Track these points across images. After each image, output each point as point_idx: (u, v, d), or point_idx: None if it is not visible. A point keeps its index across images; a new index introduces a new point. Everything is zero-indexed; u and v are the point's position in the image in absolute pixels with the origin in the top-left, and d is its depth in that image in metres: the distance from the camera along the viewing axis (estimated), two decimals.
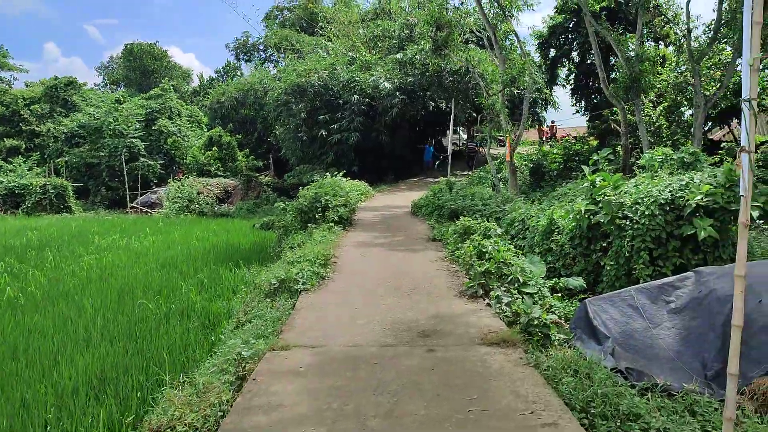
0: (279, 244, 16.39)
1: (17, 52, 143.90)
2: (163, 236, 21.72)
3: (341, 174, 28.28)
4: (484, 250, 10.60)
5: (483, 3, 21.58)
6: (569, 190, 15.44)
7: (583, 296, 10.25)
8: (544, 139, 42.15)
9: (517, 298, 8.28)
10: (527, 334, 7.06)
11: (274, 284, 9.32)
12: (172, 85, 49.17)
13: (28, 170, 41.30)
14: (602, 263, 10.67)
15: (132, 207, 38.19)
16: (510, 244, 11.88)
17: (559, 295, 10.06)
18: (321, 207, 16.55)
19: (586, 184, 12.20)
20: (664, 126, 27.11)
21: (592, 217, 10.94)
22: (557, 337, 7.32)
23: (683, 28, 23.90)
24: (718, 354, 6.78)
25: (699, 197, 9.21)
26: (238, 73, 43.98)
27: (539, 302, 9.00)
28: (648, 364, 7.03)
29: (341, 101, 32.33)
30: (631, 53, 21.62)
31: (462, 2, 29.80)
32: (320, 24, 43.49)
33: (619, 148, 28.58)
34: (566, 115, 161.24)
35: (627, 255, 9.81)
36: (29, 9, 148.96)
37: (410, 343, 6.49)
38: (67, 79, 50.32)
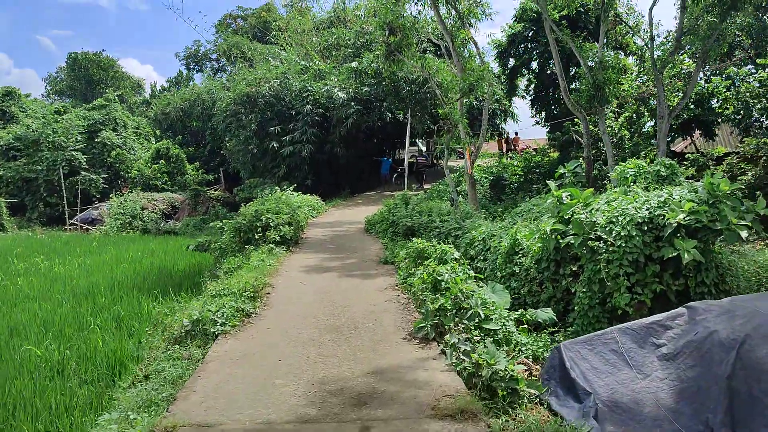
0: (216, 268, 14.69)
1: None
2: (92, 258, 19.76)
3: (292, 188, 26.71)
4: (439, 278, 9.19)
5: (441, 11, 20.42)
6: (533, 206, 14.17)
7: (553, 330, 8.96)
8: (504, 151, 41.24)
9: (477, 342, 6.84)
10: (490, 391, 5.63)
11: (186, 326, 7.70)
12: (118, 95, 46.74)
13: None
14: (573, 289, 9.39)
15: (71, 224, 35.78)
16: (469, 268, 10.48)
17: (527, 328, 8.72)
18: (261, 226, 14.93)
19: (551, 201, 10.91)
20: (627, 137, 26.30)
21: (560, 237, 9.66)
22: (527, 393, 5.92)
23: (645, 37, 23.14)
24: (726, 415, 5.47)
25: (681, 216, 7.96)
26: (191, 83, 41.86)
27: (503, 341, 7.63)
28: (639, 428, 5.68)
29: (294, 112, 30.75)
30: (594, 61, 20.67)
31: (420, 11, 28.60)
32: (273, 33, 41.88)
33: (581, 160, 27.75)
34: (526, 126, 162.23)
35: (601, 281, 8.51)
36: None
37: (339, 416, 4.96)
38: (5, 89, 47.34)
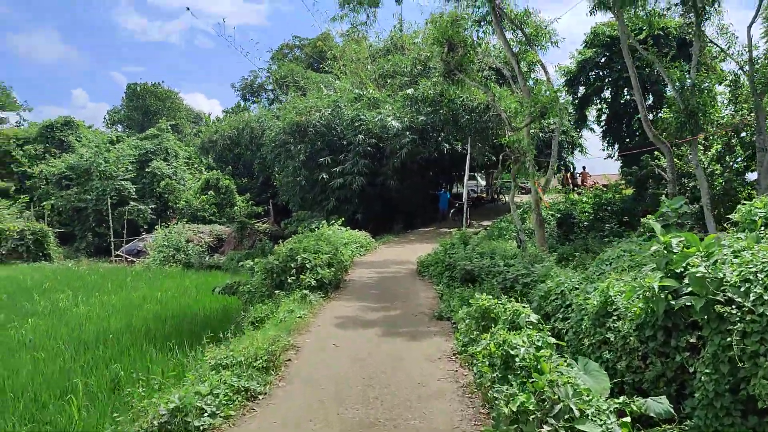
0: (243, 316, 12.64)
1: (47, 97, 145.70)
2: (121, 295, 18.12)
3: (340, 222, 24.71)
4: (513, 353, 6.82)
5: (505, 33, 18.29)
6: (624, 252, 11.57)
7: (668, 428, 6.47)
8: (571, 186, 38.29)
9: None
10: None
11: (163, 416, 5.55)
12: (172, 125, 46.30)
13: (19, 215, 38.21)
14: (691, 368, 6.86)
15: (117, 255, 34.79)
16: (549, 334, 8.05)
17: (630, 421, 6.25)
18: (296, 267, 12.83)
19: (657, 248, 8.35)
20: (718, 172, 23.23)
21: (672, 297, 7.17)
22: None
23: (740, 60, 20.24)
24: None
25: None
26: (246, 114, 41.09)
27: None
28: None
29: (345, 142, 28.94)
30: (684, 85, 17.98)
31: (480, 38, 26.57)
32: (328, 61, 40.63)
33: (663, 197, 24.74)
34: (594, 160, 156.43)
35: (732, 359, 5.99)
36: (60, 56, 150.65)
37: None
38: (63, 119, 47.75)
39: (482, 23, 19.72)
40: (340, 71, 37.21)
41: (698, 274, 6.91)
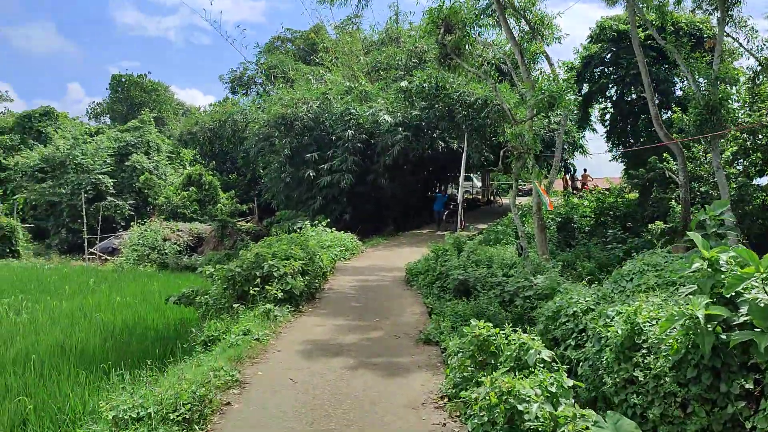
0: (197, 332, 10.73)
1: (42, 91, 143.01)
2: (74, 302, 16.19)
3: (325, 223, 22.86)
4: (522, 410, 5.00)
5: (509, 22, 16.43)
6: (647, 266, 9.72)
7: None
8: (570, 189, 36.48)
9: None
10: None
11: None
12: (156, 117, 44.22)
13: None
14: (748, 422, 5.16)
15: (91, 253, 32.78)
16: (563, 370, 6.22)
17: None
18: (261, 276, 10.94)
19: (699, 265, 6.57)
20: (733, 175, 21.43)
21: (721, 329, 5.45)
22: None
23: (760, 56, 18.42)
24: None
25: None
26: (229, 105, 39.04)
27: None
28: None
29: (333, 137, 27.04)
30: (705, 79, 16.19)
31: (480, 33, 24.72)
32: (320, 54, 38.69)
33: (672, 202, 22.97)
34: (595, 163, 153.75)
35: None
36: (55, 49, 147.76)
37: None
38: (43, 109, 45.64)
39: (482, 16, 17.92)
40: (332, 64, 35.30)
41: (761, 303, 5.21)
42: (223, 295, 11.17)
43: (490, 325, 6.59)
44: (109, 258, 31.30)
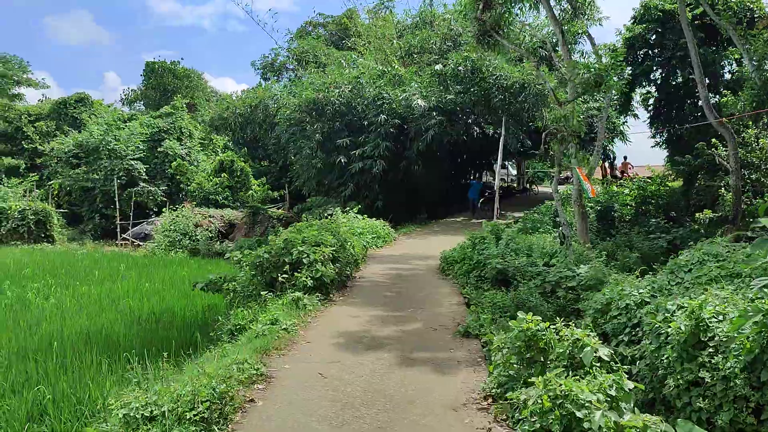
0: (225, 320, 10.29)
1: (79, 80, 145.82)
2: (103, 287, 15.96)
3: (356, 210, 22.32)
4: (581, 417, 4.38)
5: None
6: (708, 256, 8.90)
7: None
8: (609, 177, 35.26)
9: None
10: None
11: None
12: (187, 103, 44.10)
13: (27, 193, 36.49)
14: None
15: (123, 239, 32.85)
16: (623, 371, 5.56)
17: None
18: (290, 263, 10.43)
19: None
20: None
21: None
22: None
23: None
24: None
25: None
26: (260, 90, 38.56)
27: None
28: None
29: (366, 122, 26.39)
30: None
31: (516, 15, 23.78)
32: (352, 38, 37.99)
33: (722, 191, 21.79)
34: (635, 150, 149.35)
35: None
36: (92, 38, 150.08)
37: None
38: (77, 95, 45.94)
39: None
40: (365, 48, 34.58)
41: None
42: (251, 282, 10.71)
43: (539, 318, 5.93)
44: (141, 244, 31.30)
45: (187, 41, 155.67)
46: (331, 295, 10.84)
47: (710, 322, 6.32)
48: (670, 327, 6.64)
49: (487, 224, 16.53)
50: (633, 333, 7.79)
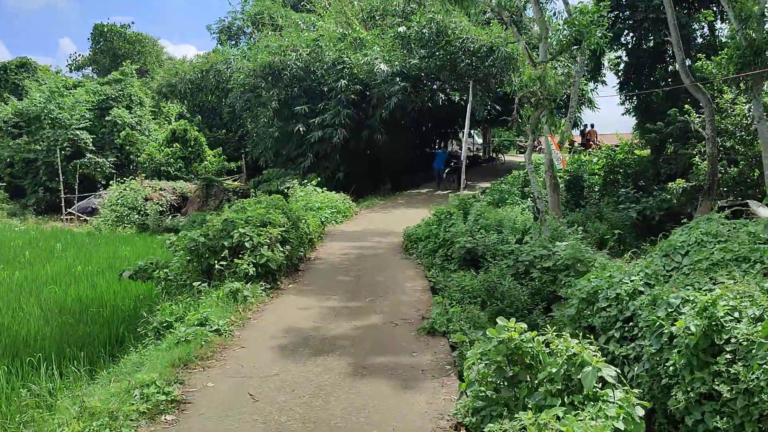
0: (154, 312, 8.88)
1: (34, 46, 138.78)
2: (27, 271, 14.31)
3: (316, 182, 20.91)
4: None
5: None
6: (707, 236, 7.80)
7: None
8: (575, 146, 34.37)
9: None
10: None
11: None
12: (138, 69, 41.58)
13: None
14: None
15: (69, 213, 30.81)
16: (633, 395, 4.38)
17: None
18: (230, 248, 9.05)
19: None
20: None
21: None
22: None
23: None
24: None
25: None
26: (212, 55, 36.34)
27: None
28: None
29: (325, 88, 24.82)
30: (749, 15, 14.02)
31: None
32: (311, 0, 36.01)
33: (696, 159, 20.97)
34: (603, 117, 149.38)
35: None
36: (48, 2, 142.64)
37: None
38: (19, 60, 42.95)
39: None
40: (324, 10, 32.72)
41: None
42: (185, 269, 9.31)
43: (524, 326, 4.72)
44: (88, 219, 29.38)
45: (148, 5, 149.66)
46: (279, 283, 9.54)
47: (725, 322, 5.24)
48: (675, 326, 5.55)
49: (455, 198, 15.33)
50: (625, 328, 6.71)
